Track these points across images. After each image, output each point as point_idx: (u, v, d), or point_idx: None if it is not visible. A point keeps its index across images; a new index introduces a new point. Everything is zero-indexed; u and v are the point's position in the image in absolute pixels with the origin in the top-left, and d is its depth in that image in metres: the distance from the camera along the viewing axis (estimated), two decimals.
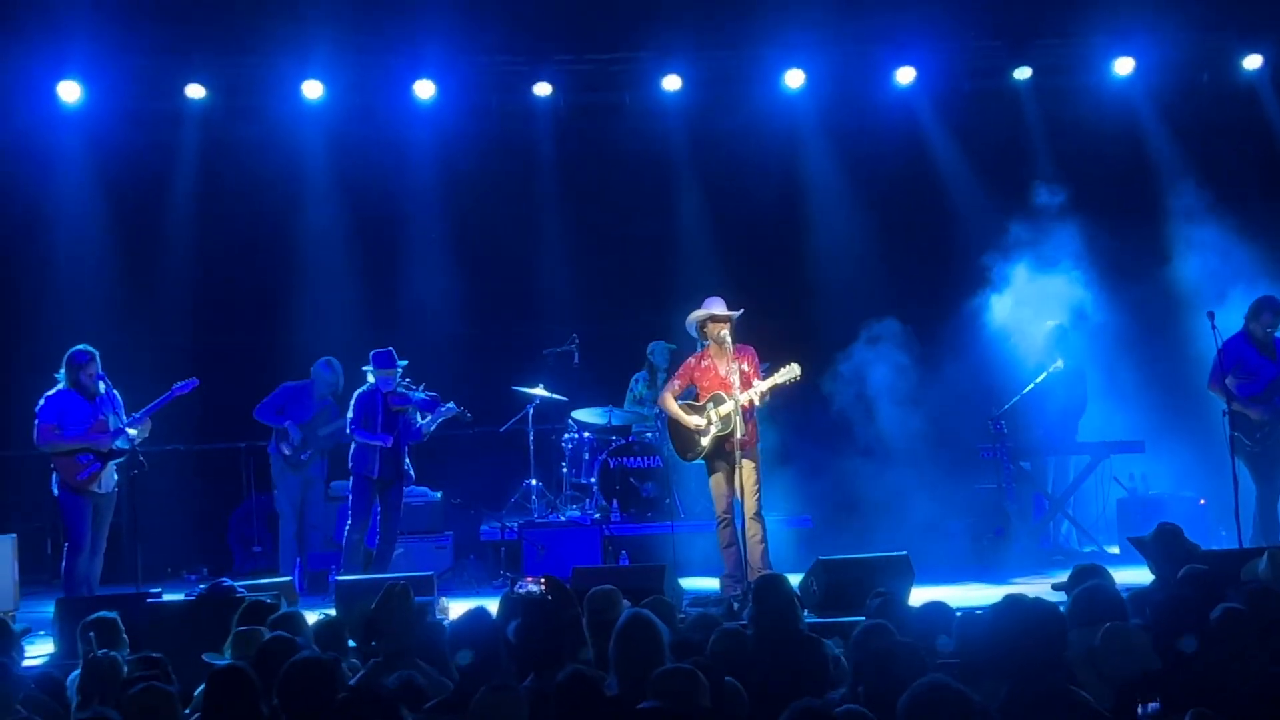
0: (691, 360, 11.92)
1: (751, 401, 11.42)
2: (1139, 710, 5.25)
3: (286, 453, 13.83)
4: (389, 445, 12.66)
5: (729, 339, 11.49)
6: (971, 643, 6.33)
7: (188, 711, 6.40)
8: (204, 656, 7.53)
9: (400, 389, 12.75)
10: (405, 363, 12.82)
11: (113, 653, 6.96)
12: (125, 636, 7.98)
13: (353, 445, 12.82)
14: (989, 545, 13.70)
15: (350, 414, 12.81)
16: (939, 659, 6.49)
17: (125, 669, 6.82)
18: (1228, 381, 12.09)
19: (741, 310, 11.66)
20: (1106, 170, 15.58)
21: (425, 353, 14.87)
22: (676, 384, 11.94)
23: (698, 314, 11.73)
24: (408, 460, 13.04)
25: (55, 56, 14.47)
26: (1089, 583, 7.27)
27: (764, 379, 11.50)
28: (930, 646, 6.75)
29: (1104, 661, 6.17)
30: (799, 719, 5.02)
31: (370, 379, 12.81)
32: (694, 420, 11.62)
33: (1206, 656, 6.01)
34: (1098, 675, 6.14)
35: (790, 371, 11.40)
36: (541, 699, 6.07)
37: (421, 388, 12.87)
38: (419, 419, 12.88)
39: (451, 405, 12.85)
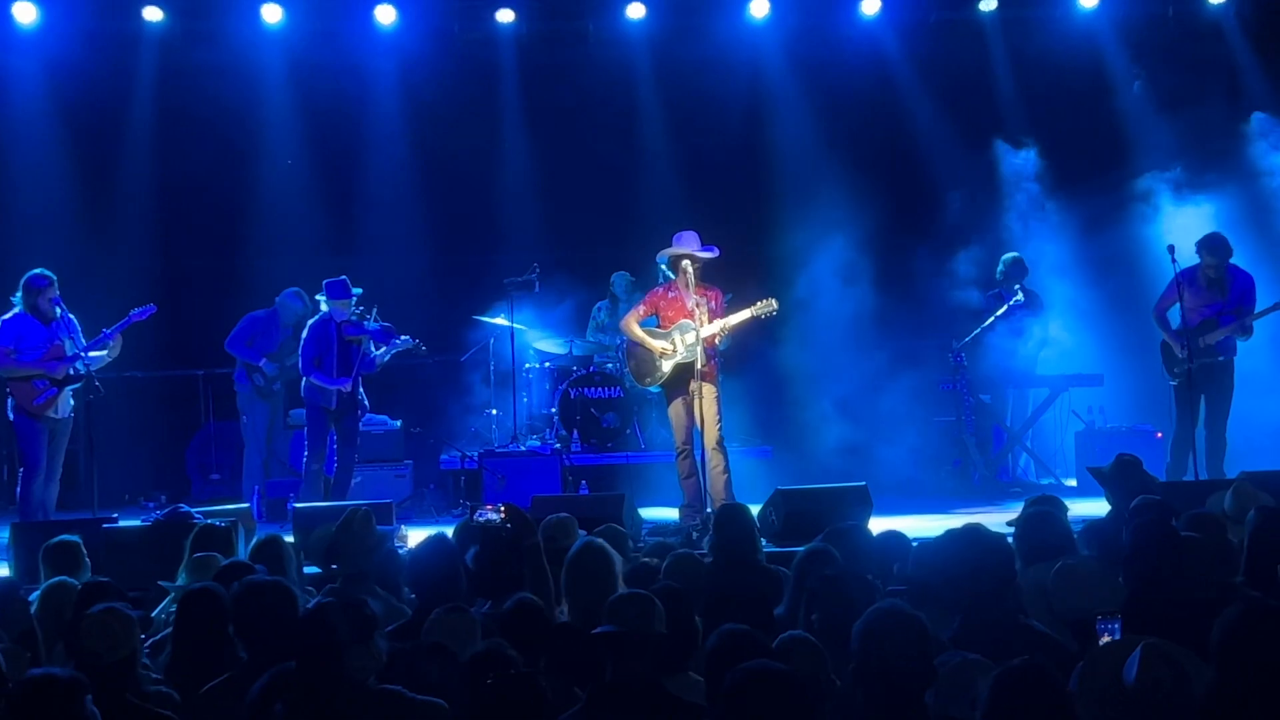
0: (659, 290, 11.87)
1: (719, 332, 11.40)
2: (1099, 631, 5.29)
3: (260, 383, 13.77)
4: (347, 389, 12.56)
5: (691, 272, 11.45)
6: (924, 570, 6.38)
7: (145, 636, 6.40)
8: (160, 583, 7.55)
9: (353, 318, 12.62)
10: (360, 291, 12.66)
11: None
12: (87, 560, 7.97)
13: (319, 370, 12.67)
14: (948, 477, 13.83)
15: (302, 349, 12.65)
16: (890, 586, 6.54)
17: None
18: (1168, 314, 12.23)
19: (716, 250, 11.61)
20: (1071, 104, 15.57)
21: (386, 281, 14.74)
22: (641, 309, 11.90)
23: (672, 250, 11.67)
24: (362, 390, 12.91)
25: None
26: (1033, 510, 7.33)
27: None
28: (886, 574, 6.80)
29: (1057, 598, 6.22)
30: (726, 641, 5.05)
31: (324, 308, 12.69)
32: (660, 344, 11.60)
33: (1164, 584, 6.07)
34: (1050, 611, 6.19)
35: (767, 305, 11.36)
36: (498, 624, 6.10)
37: (373, 316, 12.71)
38: (373, 349, 12.77)
39: (407, 338, 12.69)
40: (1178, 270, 12.04)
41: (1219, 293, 12.37)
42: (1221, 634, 4.52)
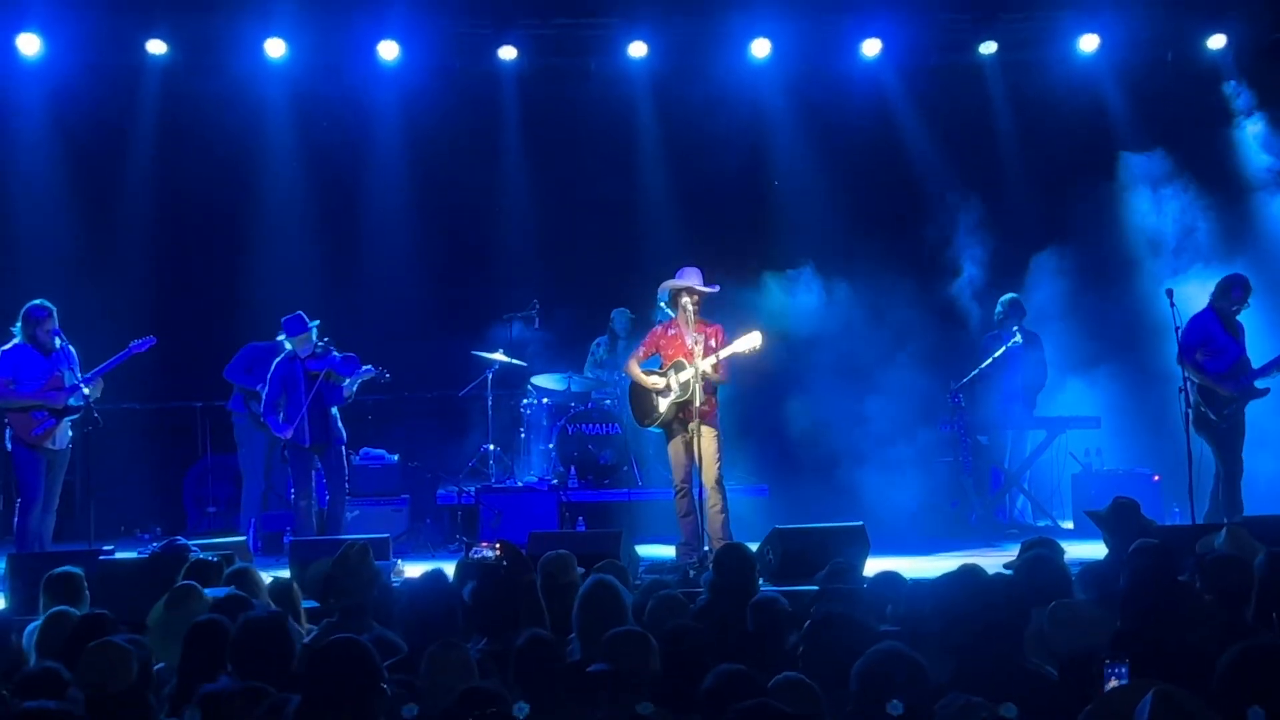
0: (658, 329, 11.90)
1: (710, 371, 11.40)
2: (1106, 675, 5.27)
3: (257, 409, 13.75)
4: (287, 435, 12.43)
5: (691, 309, 11.48)
6: (921, 611, 6.36)
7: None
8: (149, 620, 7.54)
9: (318, 349, 12.54)
10: (317, 323, 12.52)
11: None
12: (87, 592, 7.95)
13: (281, 414, 12.59)
14: (945, 518, 13.80)
15: (267, 390, 12.55)
16: (883, 626, 6.53)
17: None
18: (1197, 356, 12.11)
19: (718, 287, 11.64)
20: (1070, 146, 15.61)
21: (386, 314, 14.83)
22: (641, 351, 11.93)
23: (673, 283, 11.68)
24: (339, 422, 12.69)
25: (14, 8, 14.29)
26: (1030, 554, 7.32)
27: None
28: (881, 615, 6.79)
29: (1054, 639, 6.20)
30: (723, 681, 5.04)
31: (287, 346, 12.55)
32: (654, 381, 11.60)
33: (1165, 628, 6.05)
34: (1049, 653, 6.17)
35: (750, 340, 11.34)
36: (496, 661, 6.08)
37: (332, 348, 12.55)
38: (342, 382, 12.61)
39: (369, 367, 12.52)
40: (1177, 314, 11.97)
41: (1235, 332, 12.35)
42: (1224, 672, 4.49)
